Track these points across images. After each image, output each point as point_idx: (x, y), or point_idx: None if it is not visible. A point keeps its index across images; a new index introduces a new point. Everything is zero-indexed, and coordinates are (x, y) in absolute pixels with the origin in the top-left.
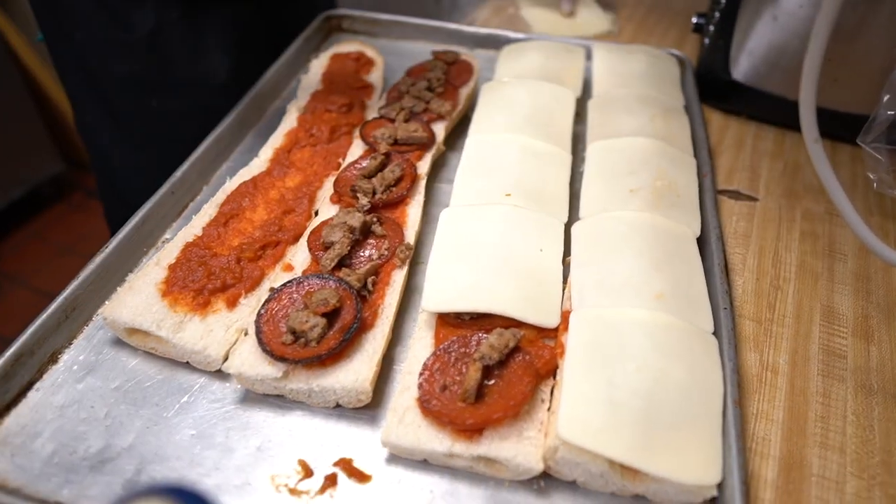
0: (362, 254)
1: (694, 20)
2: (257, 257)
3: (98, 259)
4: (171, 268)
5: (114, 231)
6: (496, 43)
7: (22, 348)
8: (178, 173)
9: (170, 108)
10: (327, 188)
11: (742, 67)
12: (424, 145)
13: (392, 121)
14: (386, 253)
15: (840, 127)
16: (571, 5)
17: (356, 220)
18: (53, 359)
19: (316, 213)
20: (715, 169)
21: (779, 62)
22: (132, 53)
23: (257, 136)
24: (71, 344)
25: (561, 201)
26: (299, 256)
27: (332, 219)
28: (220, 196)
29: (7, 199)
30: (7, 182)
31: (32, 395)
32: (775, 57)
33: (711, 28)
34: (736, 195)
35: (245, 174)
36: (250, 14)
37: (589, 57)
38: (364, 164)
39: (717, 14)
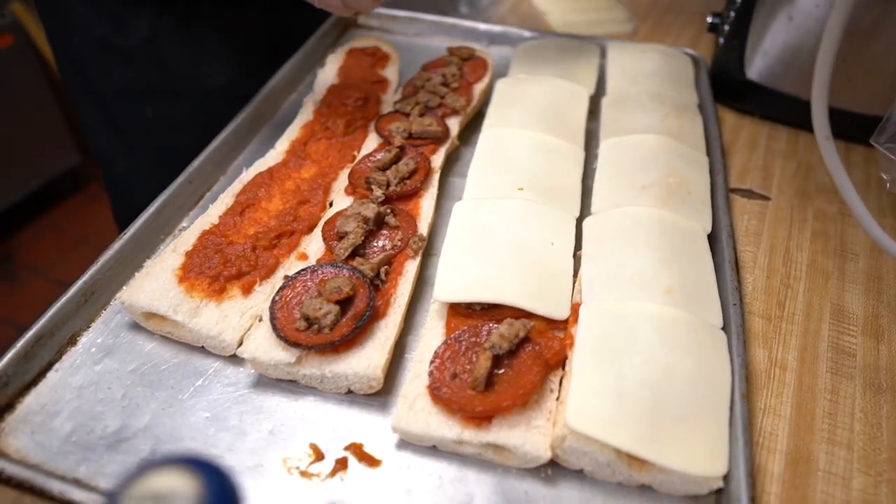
0: (376, 244)
1: (709, 20)
2: (272, 246)
3: (116, 245)
4: (188, 255)
5: (122, 228)
6: (511, 40)
7: (42, 330)
8: (195, 163)
9: (168, 115)
10: (342, 180)
11: (757, 67)
12: (438, 139)
13: (407, 115)
14: (399, 244)
15: (854, 127)
16: None
17: (370, 210)
18: (72, 341)
19: (330, 205)
20: (728, 168)
21: (794, 62)
22: (129, 60)
23: (273, 128)
24: (89, 327)
25: (573, 196)
26: (314, 246)
27: (346, 209)
28: (237, 186)
29: (25, 190)
30: (25, 173)
31: (52, 376)
32: (790, 57)
33: (726, 27)
34: (748, 194)
35: (261, 165)
36: (251, 20)
37: (603, 55)
38: (379, 156)
39: (732, 14)
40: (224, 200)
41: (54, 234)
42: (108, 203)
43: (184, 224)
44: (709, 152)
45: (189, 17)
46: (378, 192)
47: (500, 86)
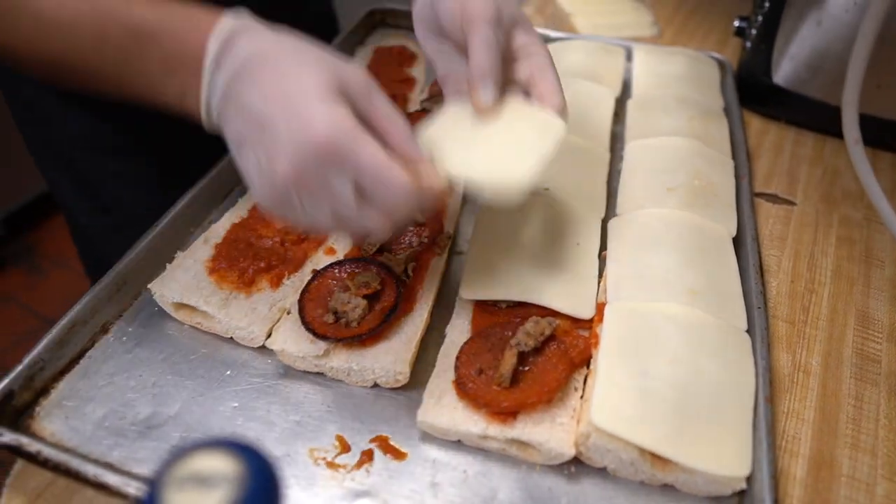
0: (402, 241)
1: (736, 24)
2: (301, 240)
3: (149, 236)
4: (218, 247)
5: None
6: None
7: (75, 318)
8: (226, 159)
9: (133, 171)
10: None
11: (784, 72)
12: None
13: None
14: (426, 240)
15: (882, 134)
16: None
17: None
18: (104, 329)
19: None
20: (753, 172)
21: (821, 67)
22: (89, 108)
23: None
24: (121, 316)
25: (598, 197)
26: (341, 241)
27: None
28: None
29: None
30: None
31: (84, 363)
32: (818, 61)
33: (753, 32)
34: (773, 198)
35: None
36: None
37: (629, 58)
38: None
39: (759, 18)
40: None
41: None
42: None
43: (213, 217)
44: (734, 156)
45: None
46: None
47: None
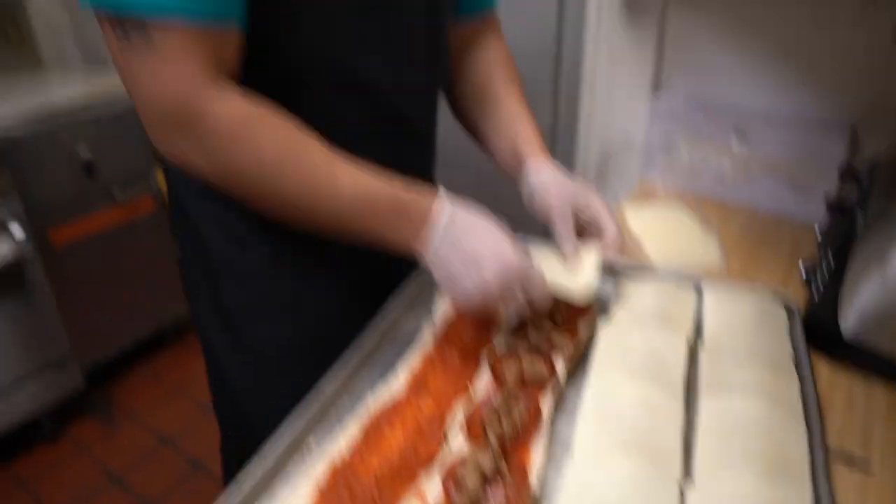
0: (490, 493)
1: (802, 273)
2: (394, 483)
3: (248, 481)
4: (322, 493)
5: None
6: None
7: None
8: (322, 385)
9: (279, 335)
10: (456, 414)
11: (851, 324)
12: (547, 381)
13: (516, 356)
14: (512, 496)
15: None
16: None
17: (487, 462)
18: None
19: (445, 438)
20: (824, 430)
21: (888, 323)
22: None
23: (395, 349)
24: None
25: (673, 458)
26: (432, 488)
27: (465, 457)
28: (363, 415)
29: (134, 338)
30: (136, 323)
31: None
32: (884, 317)
33: (819, 279)
34: (848, 460)
35: (385, 394)
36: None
37: (698, 291)
38: (493, 401)
39: (824, 268)
40: (351, 430)
41: (153, 382)
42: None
43: (310, 439)
44: (806, 416)
45: (306, 245)
46: (493, 440)
47: (604, 333)
